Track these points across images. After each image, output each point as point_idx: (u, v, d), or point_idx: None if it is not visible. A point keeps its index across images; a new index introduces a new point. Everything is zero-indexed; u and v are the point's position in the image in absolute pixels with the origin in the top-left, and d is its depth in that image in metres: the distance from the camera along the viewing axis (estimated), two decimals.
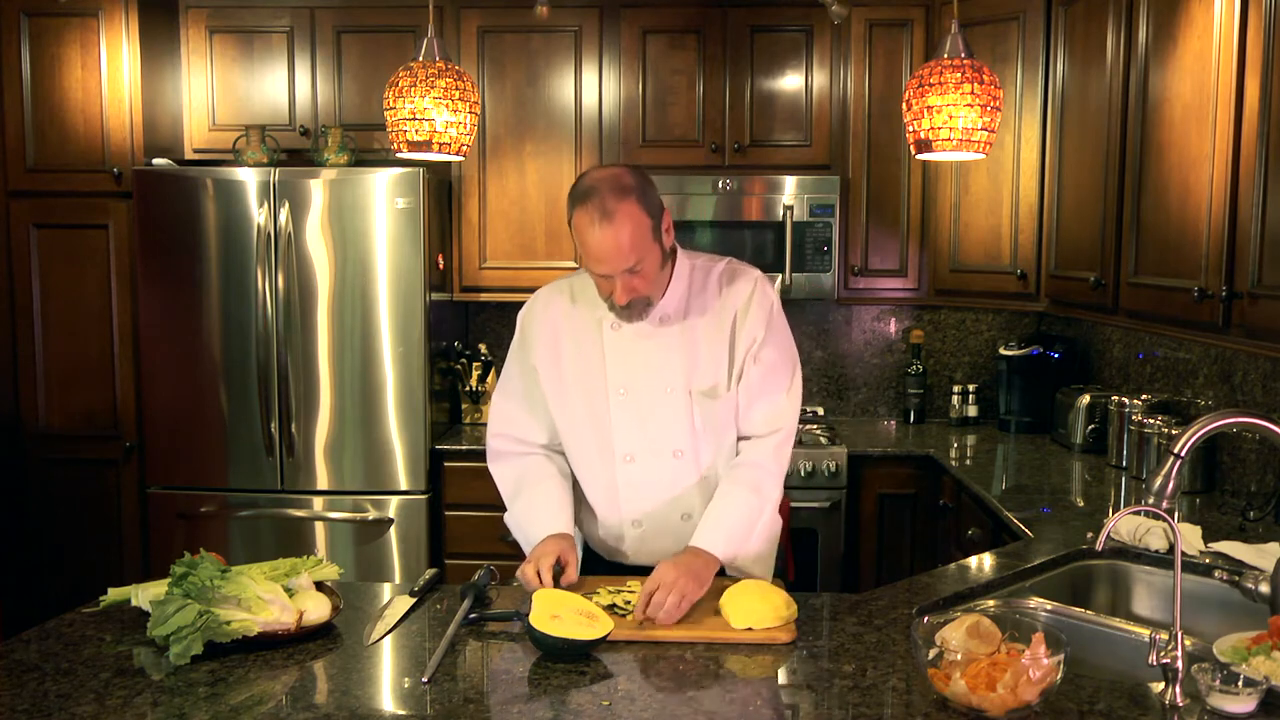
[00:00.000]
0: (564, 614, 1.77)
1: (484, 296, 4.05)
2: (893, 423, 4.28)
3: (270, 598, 1.81)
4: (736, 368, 2.20)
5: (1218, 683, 1.54)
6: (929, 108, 2.56)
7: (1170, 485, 1.81)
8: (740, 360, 2.20)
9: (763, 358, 2.20)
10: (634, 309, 2.09)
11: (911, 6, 3.88)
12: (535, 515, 2.23)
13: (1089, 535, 2.47)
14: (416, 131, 2.63)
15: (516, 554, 2.63)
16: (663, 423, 2.20)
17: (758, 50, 3.94)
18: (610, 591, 2.05)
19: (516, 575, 2.09)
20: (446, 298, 3.96)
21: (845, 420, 4.28)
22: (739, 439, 2.26)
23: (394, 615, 1.95)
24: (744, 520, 2.17)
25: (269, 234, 3.60)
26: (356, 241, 3.61)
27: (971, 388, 4.19)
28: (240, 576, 1.81)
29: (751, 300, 2.19)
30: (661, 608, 1.90)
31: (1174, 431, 2.96)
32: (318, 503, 3.69)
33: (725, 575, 2.16)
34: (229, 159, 3.85)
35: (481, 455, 3.69)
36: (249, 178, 3.61)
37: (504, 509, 2.44)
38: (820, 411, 4.27)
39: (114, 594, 1.95)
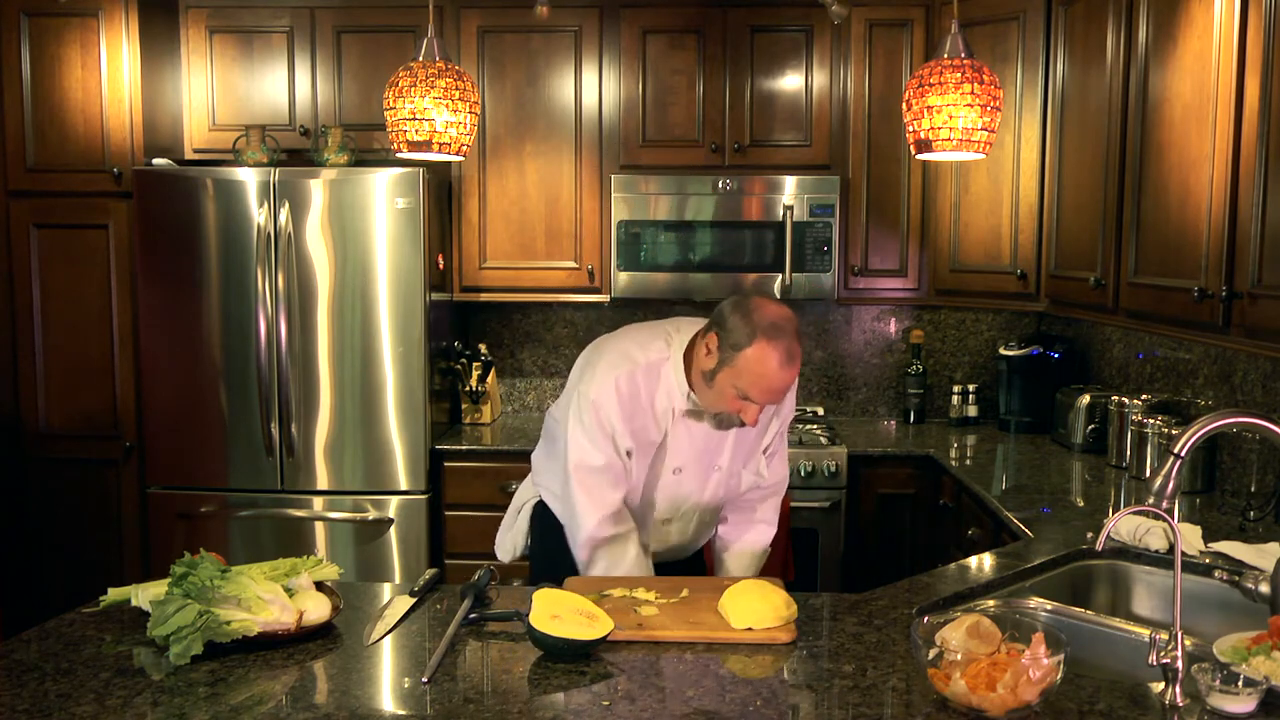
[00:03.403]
0: (564, 614, 1.77)
1: (484, 296, 4.05)
2: (893, 423, 4.28)
3: (270, 598, 1.81)
4: (768, 440, 2.43)
5: (1218, 683, 1.54)
6: (929, 108, 2.56)
7: (1170, 485, 1.81)
8: (775, 434, 2.43)
9: (784, 432, 2.49)
10: (744, 424, 2.23)
11: (911, 6, 3.88)
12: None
13: (1089, 535, 2.47)
14: (416, 131, 2.63)
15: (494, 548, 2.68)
16: (707, 496, 2.40)
17: (758, 50, 3.94)
18: (622, 592, 2.06)
19: None
20: (446, 298, 3.96)
21: (845, 420, 4.28)
22: (755, 492, 2.49)
23: (394, 615, 1.95)
24: (760, 556, 2.49)
25: (269, 234, 3.60)
26: (356, 241, 3.61)
27: (971, 388, 4.19)
28: (240, 576, 1.81)
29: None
30: None
31: (1174, 431, 2.96)
32: (318, 503, 3.69)
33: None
34: (229, 159, 3.85)
35: (481, 455, 3.75)
36: (249, 178, 3.61)
37: (504, 510, 2.52)
38: (820, 411, 4.27)
39: (114, 594, 1.95)
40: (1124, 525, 2.40)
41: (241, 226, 3.62)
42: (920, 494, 3.72)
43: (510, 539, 2.59)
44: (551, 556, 2.40)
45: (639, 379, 2.25)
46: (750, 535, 2.49)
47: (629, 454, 2.28)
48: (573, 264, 3.99)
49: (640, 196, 3.88)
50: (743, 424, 2.20)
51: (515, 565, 2.69)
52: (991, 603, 2.07)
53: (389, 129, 2.68)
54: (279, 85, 3.97)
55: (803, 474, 3.63)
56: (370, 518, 3.67)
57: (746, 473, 2.41)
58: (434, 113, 2.61)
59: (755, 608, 1.88)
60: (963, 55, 2.56)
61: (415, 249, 3.61)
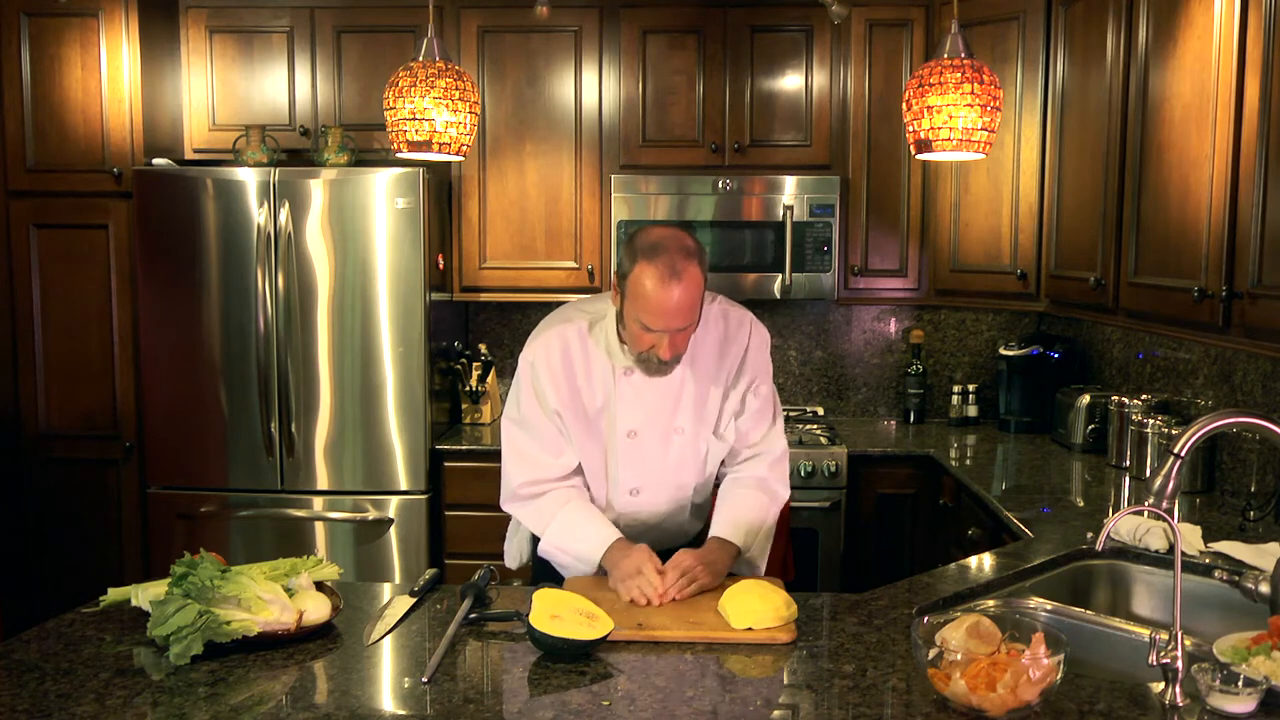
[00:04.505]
0: (564, 614, 1.77)
1: (484, 296, 4.05)
2: (893, 423, 4.28)
3: (270, 598, 1.81)
4: (735, 403, 2.33)
5: (1218, 683, 1.54)
6: (929, 108, 2.56)
7: (1170, 485, 1.81)
8: (741, 395, 2.33)
9: (761, 392, 2.35)
10: (667, 364, 2.15)
11: (911, 6, 3.88)
12: (583, 531, 2.23)
13: (1089, 535, 2.47)
14: (416, 131, 2.63)
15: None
16: (671, 462, 2.32)
17: (758, 50, 3.94)
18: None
19: (630, 597, 2.03)
20: (446, 298, 3.97)
21: (845, 420, 4.28)
22: (737, 461, 2.40)
23: (394, 615, 1.95)
24: (758, 516, 2.30)
25: (269, 234, 3.60)
26: (356, 241, 3.61)
27: (971, 388, 4.19)
28: (240, 576, 1.81)
29: (751, 340, 2.33)
30: (676, 588, 2.04)
31: (1174, 431, 2.96)
32: (318, 503, 3.69)
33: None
34: (229, 159, 3.85)
35: (481, 455, 3.75)
36: (249, 178, 3.61)
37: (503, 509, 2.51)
38: (820, 411, 4.27)
39: (114, 594, 1.95)
40: (1124, 525, 2.40)
41: (241, 226, 3.62)
42: (920, 494, 3.72)
43: (516, 545, 2.56)
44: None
45: (573, 339, 2.25)
46: (743, 493, 2.34)
47: (559, 416, 2.26)
48: (573, 264, 3.99)
49: (640, 196, 3.88)
50: (663, 363, 2.13)
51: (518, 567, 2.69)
52: (991, 603, 2.07)
53: (389, 129, 2.69)
54: (279, 85, 3.97)
55: (803, 474, 3.63)
56: (370, 518, 3.67)
57: (714, 440, 2.33)
58: (434, 113, 2.61)
59: (755, 608, 1.89)
60: (963, 55, 2.56)
61: (415, 249, 3.61)
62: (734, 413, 2.34)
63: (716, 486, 2.47)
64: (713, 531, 2.25)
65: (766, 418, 2.38)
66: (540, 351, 2.26)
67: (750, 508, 2.30)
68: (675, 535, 2.42)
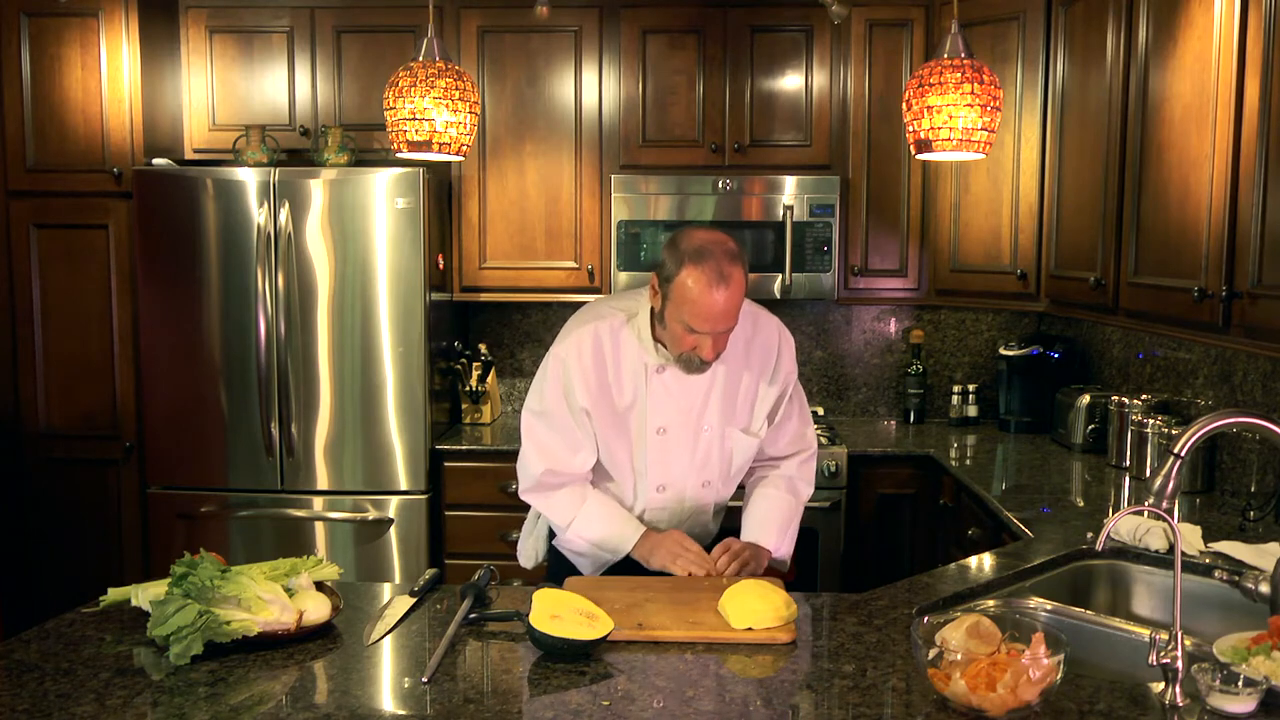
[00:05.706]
0: (564, 614, 1.77)
1: (484, 296, 4.05)
2: (893, 423, 4.28)
3: (270, 598, 1.81)
4: (771, 405, 2.37)
5: (1218, 683, 1.54)
6: (929, 108, 2.56)
7: (1170, 485, 1.81)
8: (777, 397, 2.38)
9: (796, 395, 2.43)
10: (708, 364, 2.19)
11: (911, 6, 3.88)
12: (613, 522, 2.29)
13: (1089, 535, 2.47)
14: (416, 131, 2.63)
15: (516, 554, 2.66)
16: (698, 459, 2.35)
17: (758, 50, 3.94)
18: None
19: (689, 571, 2.17)
20: (446, 298, 3.97)
21: (845, 420, 4.28)
22: (765, 460, 2.46)
23: (394, 615, 1.95)
24: (788, 518, 2.40)
25: (269, 234, 3.60)
26: (356, 241, 3.61)
27: (971, 388, 4.19)
28: (240, 576, 1.81)
29: (781, 342, 2.37)
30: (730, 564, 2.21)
31: (1174, 431, 2.96)
32: (318, 503, 3.69)
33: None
34: (229, 159, 3.85)
35: (481, 455, 3.75)
36: (249, 178, 3.61)
37: (504, 509, 2.51)
38: (820, 411, 4.27)
39: (114, 594, 1.95)
40: (1124, 525, 2.40)
41: (241, 226, 3.62)
42: (920, 494, 3.72)
43: (531, 545, 2.57)
44: (570, 559, 2.40)
45: (604, 336, 2.26)
46: (772, 494, 2.42)
47: (587, 414, 2.27)
48: (573, 264, 3.99)
49: (640, 196, 3.88)
50: (704, 363, 2.17)
51: (515, 565, 2.69)
52: (991, 603, 2.07)
53: (389, 129, 2.69)
54: (279, 85, 3.97)
55: None
56: (370, 518, 3.67)
57: (742, 436, 2.36)
58: (434, 113, 2.61)
59: (755, 608, 1.89)
60: (963, 55, 2.56)
61: (415, 249, 3.61)
62: (767, 413, 2.37)
63: (740, 489, 2.51)
64: (746, 536, 2.34)
65: (805, 419, 2.46)
66: (573, 348, 2.27)
67: (779, 510, 2.38)
68: (698, 535, 2.43)
